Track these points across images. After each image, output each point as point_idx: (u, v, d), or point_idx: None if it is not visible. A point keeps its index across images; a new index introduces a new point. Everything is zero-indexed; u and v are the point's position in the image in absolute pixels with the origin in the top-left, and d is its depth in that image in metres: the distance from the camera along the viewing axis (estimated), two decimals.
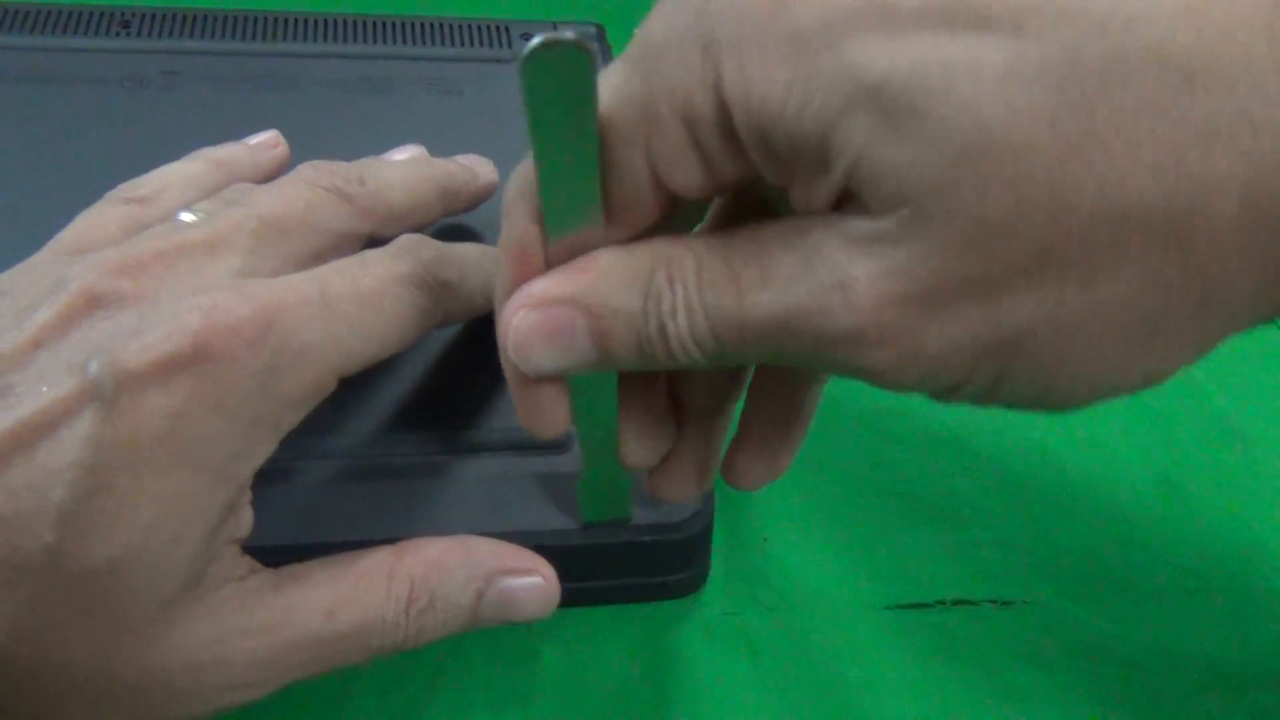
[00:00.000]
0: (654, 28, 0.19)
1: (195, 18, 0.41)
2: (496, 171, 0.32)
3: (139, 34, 0.40)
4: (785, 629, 0.30)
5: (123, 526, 0.21)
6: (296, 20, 0.42)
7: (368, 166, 0.29)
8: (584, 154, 0.19)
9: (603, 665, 0.29)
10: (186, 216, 0.25)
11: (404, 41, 0.42)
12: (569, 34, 0.17)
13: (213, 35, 0.41)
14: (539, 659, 0.29)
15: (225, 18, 0.41)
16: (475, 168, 0.32)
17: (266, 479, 0.25)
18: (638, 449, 0.26)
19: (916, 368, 0.19)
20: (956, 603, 0.32)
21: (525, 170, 0.21)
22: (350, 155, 0.37)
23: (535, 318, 0.21)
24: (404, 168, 0.30)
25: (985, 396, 0.19)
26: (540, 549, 0.27)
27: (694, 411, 0.26)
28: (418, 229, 0.28)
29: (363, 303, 0.24)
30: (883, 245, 0.18)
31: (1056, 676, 0.30)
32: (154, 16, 0.41)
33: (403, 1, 0.50)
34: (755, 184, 0.20)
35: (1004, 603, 0.32)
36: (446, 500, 0.28)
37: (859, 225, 0.18)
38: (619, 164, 0.20)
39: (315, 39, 0.41)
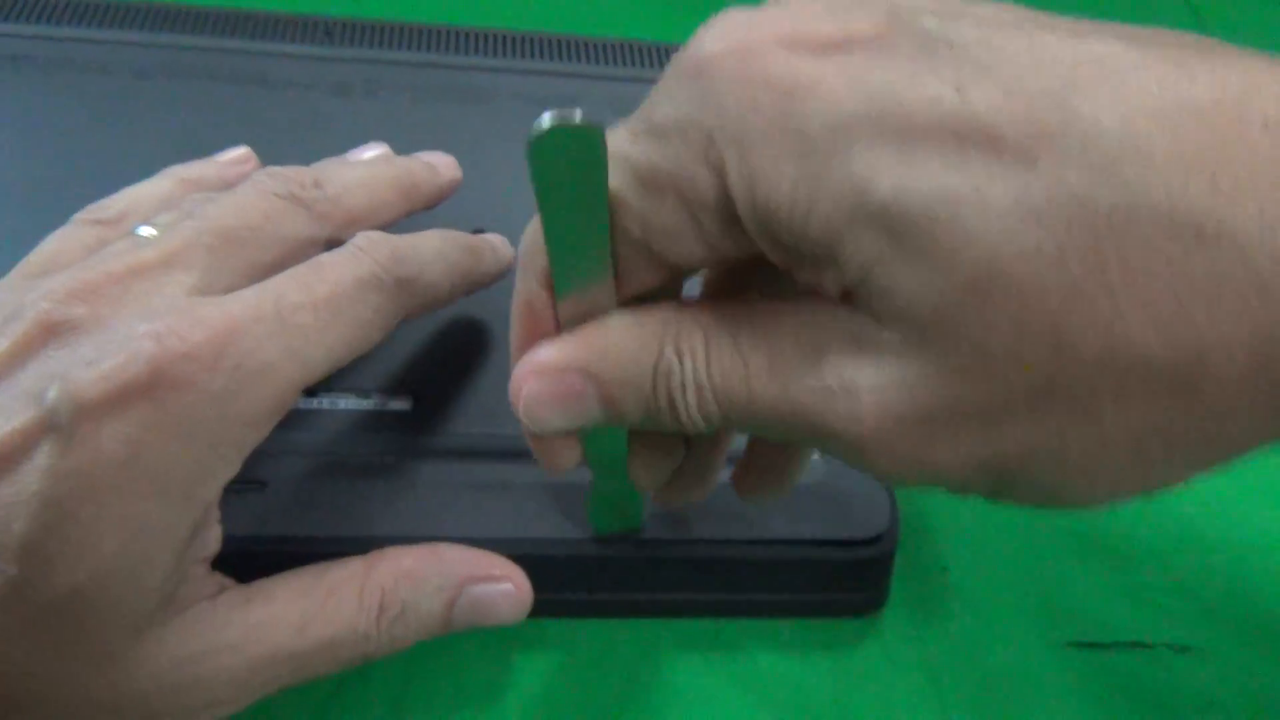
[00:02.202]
0: (659, 107, 0.20)
1: (396, 30, 0.43)
2: (459, 167, 0.32)
3: (342, 43, 0.42)
4: (966, 657, 0.30)
5: (87, 555, 0.20)
6: (490, 36, 0.44)
7: (325, 169, 0.28)
8: (593, 223, 0.20)
9: (789, 674, 0.30)
10: (145, 231, 0.25)
11: (590, 60, 0.44)
12: (578, 113, 0.18)
13: (412, 47, 0.42)
14: (732, 663, 0.30)
15: (424, 31, 0.43)
16: (436, 164, 0.32)
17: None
18: (646, 473, 0.26)
19: (916, 474, 0.19)
20: (1133, 645, 0.32)
21: (534, 232, 0.22)
22: None
23: (546, 385, 0.22)
24: (362, 168, 0.30)
25: (990, 498, 0.20)
26: (717, 560, 0.28)
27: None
28: (379, 230, 0.28)
29: (320, 312, 0.24)
30: (888, 356, 0.18)
31: None
32: (356, 27, 0.43)
33: (587, 23, 0.51)
34: (758, 258, 0.21)
35: (1181, 648, 0.32)
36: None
37: (866, 329, 0.19)
38: (621, 236, 0.21)
39: (508, 54, 0.43)
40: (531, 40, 0.44)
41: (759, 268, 0.21)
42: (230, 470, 0.23)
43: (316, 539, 0.27)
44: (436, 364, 0.32)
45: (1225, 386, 0.16)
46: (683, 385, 0.21)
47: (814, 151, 0.18)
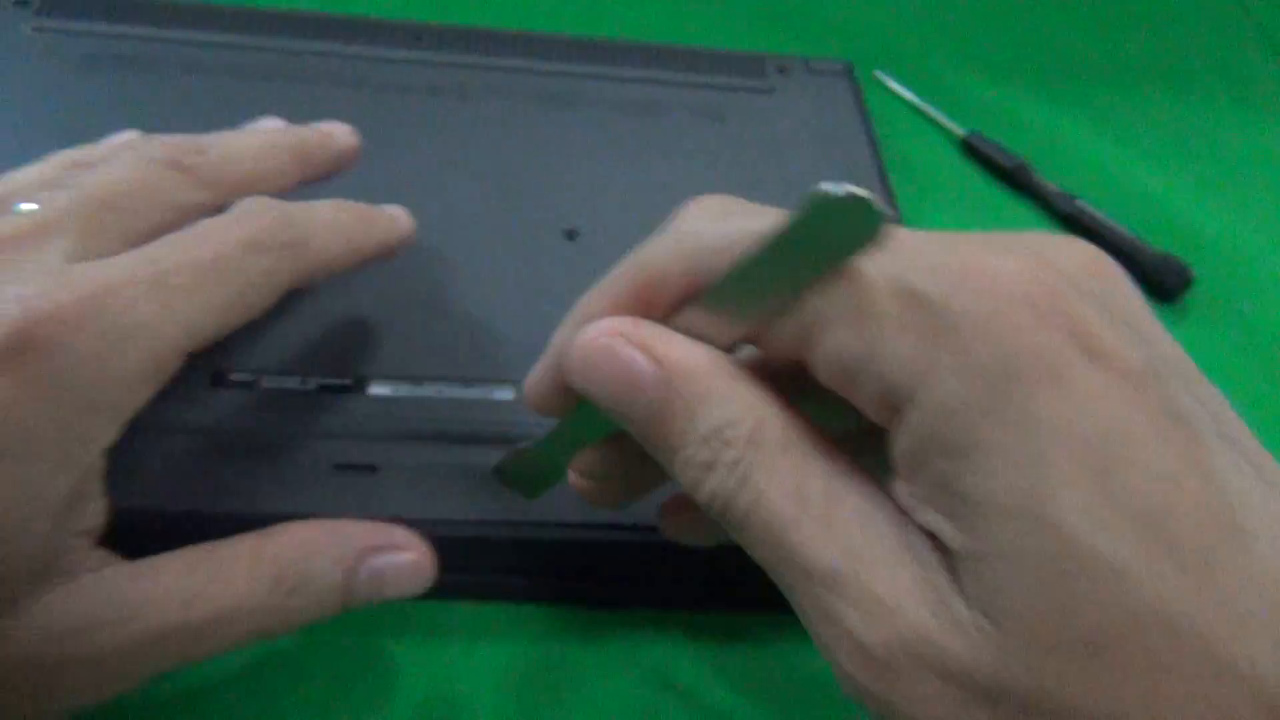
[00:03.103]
0: (926, 279, 0.19)
1: (488, 36, 0.44)
2: (356, 135, 0.31)
3: (434, 48, 0.43)
4: None
5: None
6: (580, 44, 0.44)
7: (211, 137, 0.28)
8: (800, 280, 0.19)
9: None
10: (25, 207, 0.25)
11: (676, 68, 0.44)
12: (881, 204, 0.18)
13: (504, 53, 0.43)
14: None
15: (515, 37, 0.44)
16: (333, 132, 0.31)
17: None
18: (593, 470, 0.26)
19: (881, 707, 0.19)
20: None
21: (716, 232, 0.21)
22: (623, 173, 0.39)
23: (622, 354, 0.21)
24: (249, 135, 0.29)
25: None
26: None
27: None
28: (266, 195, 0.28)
29: (201, 274, 0.23)
30: (951, 623, 0.18)
31: None
32: (449, 33, 0.44)
33: (674, 31, 0.52)
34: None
35: None
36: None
37: (944, 584, 0.18)
38: (797, 306, 0.20)
39: (596, 62, 0.44)
40: (620, 48, 0.45)
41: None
42: (108, 434, 0.23)
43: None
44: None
45: None
46: (732, 466, 0.20)
47: (1024, 434, 0.17)
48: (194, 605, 0.23)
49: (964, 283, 0.18)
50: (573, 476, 0.26)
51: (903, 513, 0.20)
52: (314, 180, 0.30)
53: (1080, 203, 0.45)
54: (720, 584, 0.31)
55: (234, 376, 0.30)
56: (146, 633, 0.22)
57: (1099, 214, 0.45)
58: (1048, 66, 0.56)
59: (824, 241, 0.19)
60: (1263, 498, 0.18)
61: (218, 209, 0.26)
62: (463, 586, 0.30)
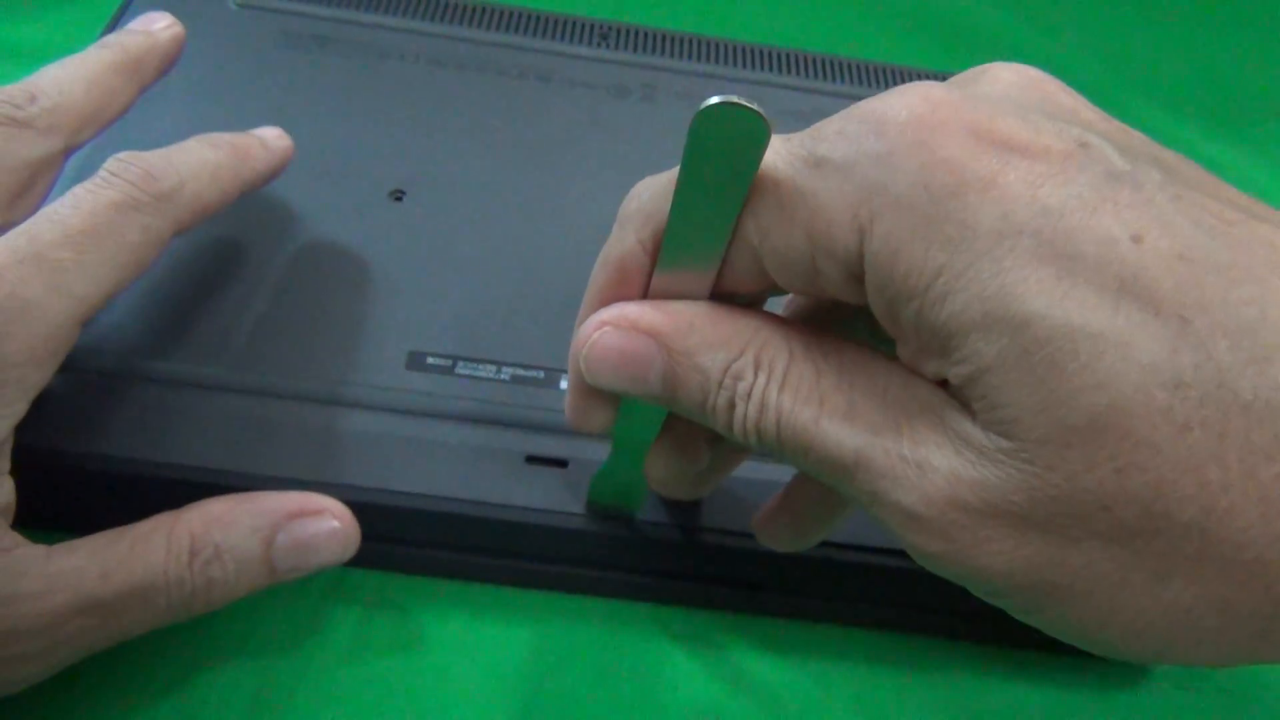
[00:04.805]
0: (827, 141, 0.19)
1: (674, 39, 0.44)
2: (177, 23, 0.31)
3: (617, 47, 0.43)
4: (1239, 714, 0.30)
5: None
6: (761, 51, 0.45)
7: (37, 78, 0.27)
8: (726, 211, 0.20)
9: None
10: None
11: (848, 81, 0.44)
12: (752, 104, 0.18)
13: (688, 57, 0.44)
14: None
15: (697, 41, 0.44)
16: (149, 28, 0.30)
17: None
18: (663, 467, 0.26)
19: (956, 568, 0.19)
20: None
21: (652, 191, 0.22)
22: None
23: (617, 339, 0.22)
24: (74, 62, 0.28)
25: (1018, 615, 0.19)
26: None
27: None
28: (113, 121, 0.28)
29: (79, 245, 0.24)
30: (971, 452, 0.18)
31: None
32: (635, 33, 0.44)
33: (836, 44, 0.51)
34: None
35: None
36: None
37: (959, 422, 0.18)
38: (739, 237, 0.20)
39: (776, 70, 0.44)
40: (792, 57, 0.45)
41: (846, 307, 0.21)
42: (14, 412, 0.23)
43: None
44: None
45: None
46: (748, 395, 0.21)
47: (970, 246, 0.17)
48: (111, 578, 0.23)
49: (863, 133, 0.19)
50: (650, 481, 0.27)
51: (913, 374, 0.20)
52: (147, 86, 0.30)
53: None
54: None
55: (431, 360, 0.31)
56: (66, 606, 0.23)
57: None
58: (1222, 100, 0.54)
59: (724, 158, 0.19)
60: (1237, 234, 0.17)
61: (70, 150, 0.27)
62: (644, 587, 0.31)
